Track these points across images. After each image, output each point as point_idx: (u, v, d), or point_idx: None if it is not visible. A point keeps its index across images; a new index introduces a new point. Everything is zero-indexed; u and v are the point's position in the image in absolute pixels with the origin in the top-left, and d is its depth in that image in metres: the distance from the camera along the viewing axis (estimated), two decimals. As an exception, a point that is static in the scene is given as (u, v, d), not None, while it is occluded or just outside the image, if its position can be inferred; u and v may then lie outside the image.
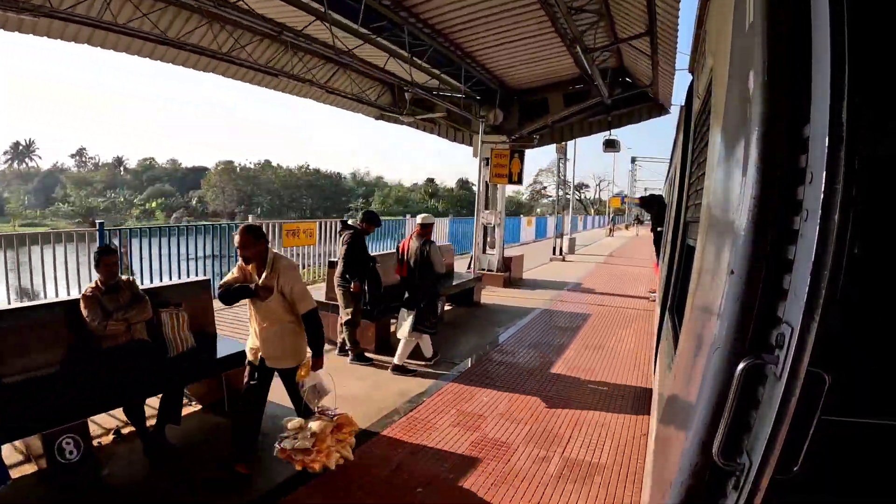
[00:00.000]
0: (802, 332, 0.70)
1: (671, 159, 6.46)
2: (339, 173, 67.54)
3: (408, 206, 57.89)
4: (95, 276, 2.97)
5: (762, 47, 0.83)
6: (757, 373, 0.80)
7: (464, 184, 69.69)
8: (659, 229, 7.67)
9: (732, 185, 0.96)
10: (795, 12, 0.80)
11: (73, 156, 64.26)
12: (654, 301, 6.75)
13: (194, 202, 53.88)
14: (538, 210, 64.35)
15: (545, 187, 72.53)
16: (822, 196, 0.69)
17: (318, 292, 5.04)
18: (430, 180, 70.31)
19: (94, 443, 2.85)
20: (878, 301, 0.76)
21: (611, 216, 32.79)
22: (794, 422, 0.73)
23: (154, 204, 50.79)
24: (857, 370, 0.78)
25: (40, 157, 62.45)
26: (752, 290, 0.80)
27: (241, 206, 52.43)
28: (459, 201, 61.86)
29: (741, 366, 0.77)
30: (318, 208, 57.62)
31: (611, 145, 11.83)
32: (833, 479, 0.84)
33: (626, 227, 38.88)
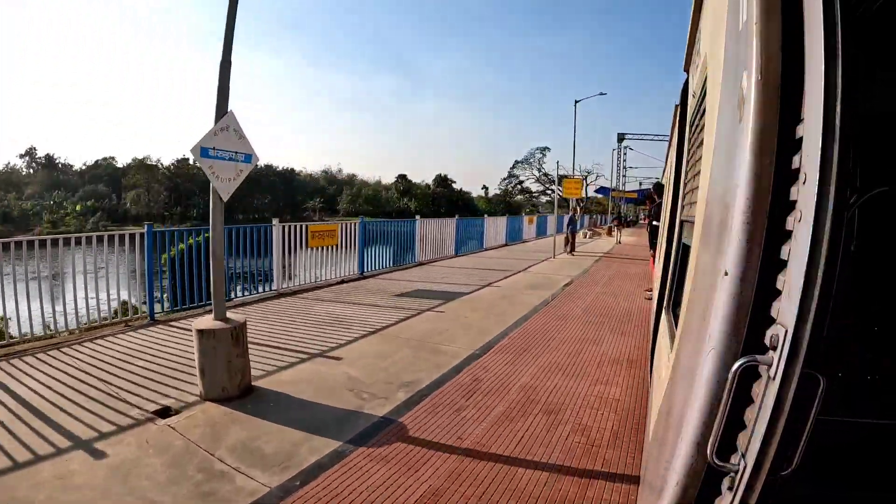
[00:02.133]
0: (796, 333, 0.70)
1: (666, 157, 6.47)
2: (292, 169, 60.21)
3: (378, 205, 54.21)
4: None
5: (756, 47, 0.83)
6: (751, 373, 0.80)
7: (443, 180, 63.62)
8: (655, 223, 7.53)
9: (726, 185, 0.95)
10: (789, 12, 0.80)
11: (22, 156, 54.64)
12: (651, 300, 6.78)
13: (129, 204, 47.66)
14: (527, 209, 56.36)
15: (521, 181, 65.40)
16: (815, 197, 0.69)
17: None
18: (403, 177, 63.94)
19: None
20: (873, 302, 0.76)
21: (569, 215, 15.96)
22: (788, 423, 0.73)
23: (78, 207, 43.29)
24: (852, 371, 0.78)
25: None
26: (746, 291, 0.80)
27: (177, 208, 45.90)
28: (436, 199, 57.18)
29: (735, 366, 0.77)
30: (269, 209, 50.98)
31: None
32: (829, 478, 0.84)
33: (609, 232, 24.45)
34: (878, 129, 0.77)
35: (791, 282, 0.73)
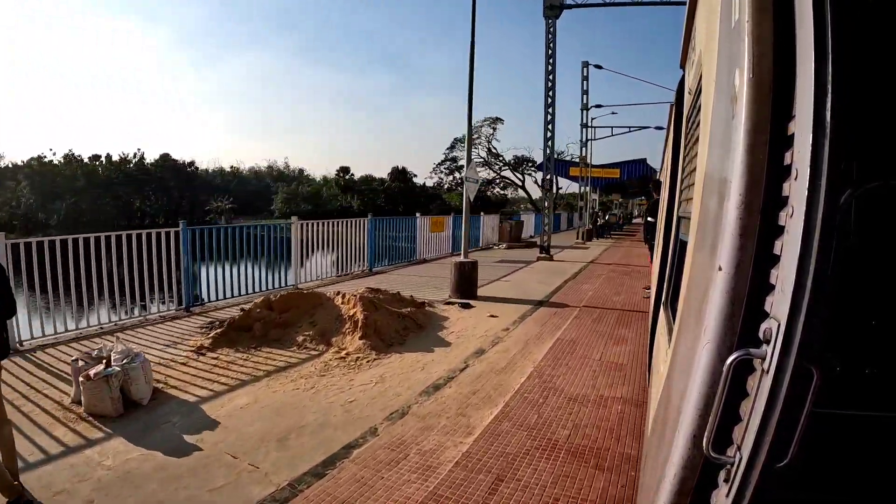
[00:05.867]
0: (789, 327, 0.71)
1: (664, 153, 6.48)
2: (192, 162, 45.58)
3: (319, 203, 43.90)
4: None
5: (748, 44, 0.83)
6: (746, 367, 0.81)
7: (400, 173, 47.90)
8: (650, 219, 7.61)
9: (720, 181, 0.97)
10: (781, 9, 0.81)
11: None
12: (649, 297, 6.79)
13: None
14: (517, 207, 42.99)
15: (461, 167, 42.23)
16: (806, 192, 0.70)
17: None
18: (345, 169, 48.65)
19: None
20: (866, 296, 0.77)
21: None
22: (783, 415, 0.74)
23: None
24: (846, 364, 0.79)
25: None
26: (740, 286, 0.81)
27: (39, 214, 34.32)
28: (393, 197, 44.77)
29: (729, 360, 0.78)
30: (157, 212, 37.48)
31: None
32: (825, 470, 0.85)
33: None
34: (875, 123, 0.77)
35: (784, 276, 0.74)
